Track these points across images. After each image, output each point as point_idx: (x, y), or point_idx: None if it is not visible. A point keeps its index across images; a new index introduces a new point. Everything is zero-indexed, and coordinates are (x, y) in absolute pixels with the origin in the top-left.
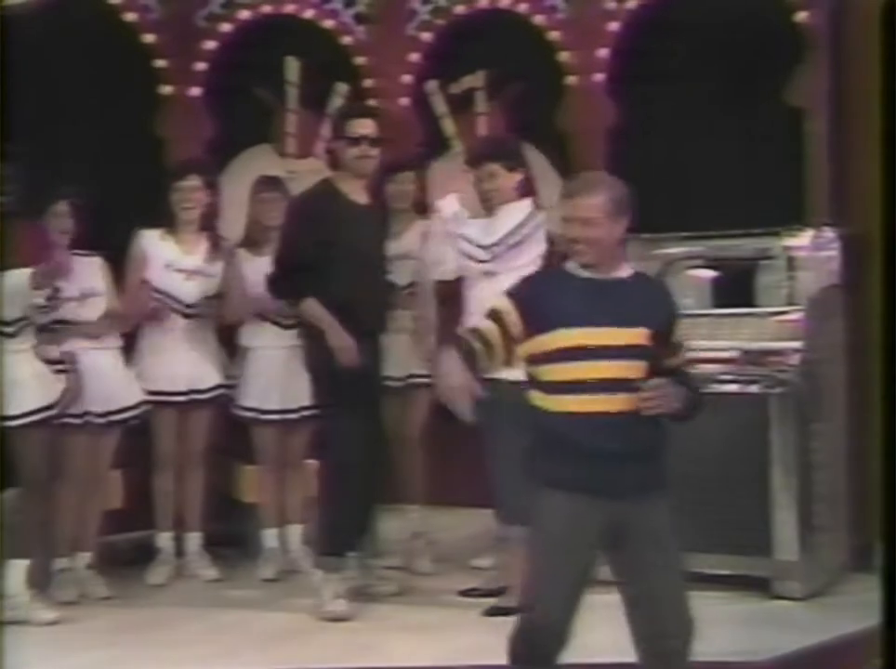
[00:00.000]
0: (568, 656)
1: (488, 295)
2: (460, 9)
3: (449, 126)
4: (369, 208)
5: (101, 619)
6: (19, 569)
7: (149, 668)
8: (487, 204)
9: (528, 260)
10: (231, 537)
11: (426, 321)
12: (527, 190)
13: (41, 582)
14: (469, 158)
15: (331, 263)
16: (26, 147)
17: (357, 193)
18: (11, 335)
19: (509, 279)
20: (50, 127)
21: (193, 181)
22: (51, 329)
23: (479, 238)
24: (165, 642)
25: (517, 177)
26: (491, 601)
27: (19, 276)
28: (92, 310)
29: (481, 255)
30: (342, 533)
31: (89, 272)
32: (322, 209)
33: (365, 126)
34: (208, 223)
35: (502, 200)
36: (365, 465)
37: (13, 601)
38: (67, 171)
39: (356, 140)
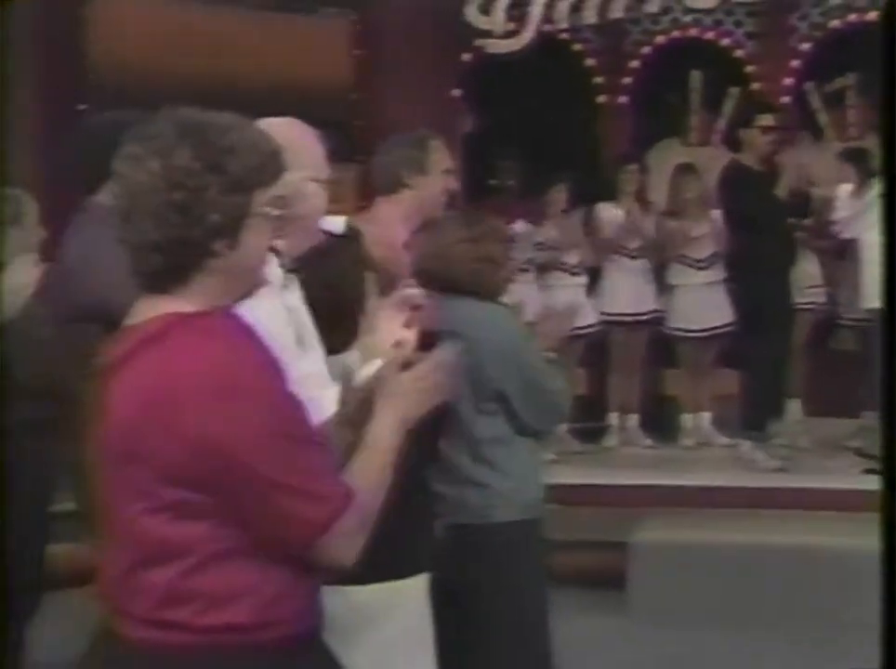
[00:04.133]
0: None
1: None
2: (835, 23)
3: (823, 118)
4: (773, 177)
5: (574, 463)
6: None
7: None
8: None
9: None
10: (659, 420)
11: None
12: None
13: None
14: None
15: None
16: (517, 147)
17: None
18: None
19: None
20: (529, 132)
21: (635, 166)
22: (546, 268)
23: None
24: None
25: None
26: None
27: (521, 231)
28: (573, 257)
29: None
30: (763, 413)
31: (574, 230)
32: (748, 178)
33: (770, 119)
34: (640, 195)
35: None
36: (776, 368)
37: None
38: (545, 163)
39: (764, 129)
